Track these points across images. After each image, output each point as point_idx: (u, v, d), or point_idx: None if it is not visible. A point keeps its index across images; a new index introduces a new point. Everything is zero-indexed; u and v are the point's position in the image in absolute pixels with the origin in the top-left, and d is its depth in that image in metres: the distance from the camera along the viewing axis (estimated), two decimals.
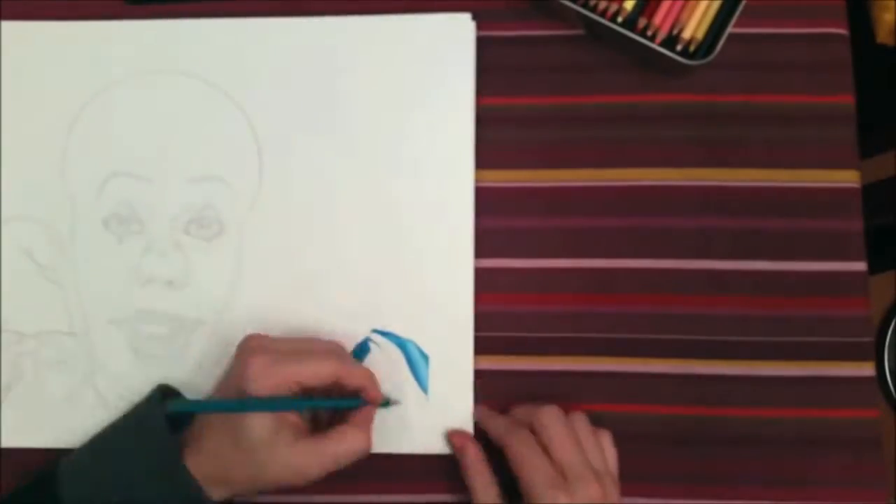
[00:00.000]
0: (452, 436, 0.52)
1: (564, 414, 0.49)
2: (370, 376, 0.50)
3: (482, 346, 0.54)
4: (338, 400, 0.50)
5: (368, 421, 0.50)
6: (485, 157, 0.56)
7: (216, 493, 0.47)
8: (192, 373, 0.54)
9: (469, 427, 0.53)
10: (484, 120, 0.56)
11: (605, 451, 0.50)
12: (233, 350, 0.49)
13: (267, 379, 0.46)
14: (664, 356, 0.54)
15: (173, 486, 0.46)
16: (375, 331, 0.54)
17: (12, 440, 0.54)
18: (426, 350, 0.53)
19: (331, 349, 0.51)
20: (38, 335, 0.54)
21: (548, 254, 0.55)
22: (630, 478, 0.51)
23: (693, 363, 0.53)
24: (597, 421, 0.51)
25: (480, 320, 0.54)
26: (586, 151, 0.56)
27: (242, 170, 0.55)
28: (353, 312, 0.54)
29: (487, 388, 0.53)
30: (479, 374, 0.53)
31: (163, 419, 0.47)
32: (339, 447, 0.47)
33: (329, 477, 0.48)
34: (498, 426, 0.50)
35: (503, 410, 0.52)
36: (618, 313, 0.54)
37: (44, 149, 0.56)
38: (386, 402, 0.52)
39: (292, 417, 0.48)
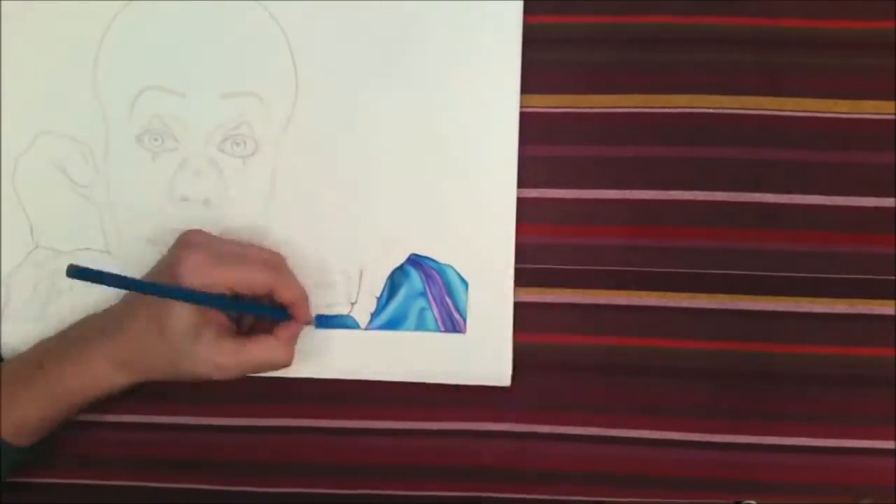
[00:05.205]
0: None
1: None
2: (303, 294, 0.50)
3: (523, 277, 0.53)
4: (266, 308, 0.50)
5: (293, 337, 0.50)
6: (531, 81, 0.53)
7: (131, 377, 0.48)
8: None
9: (508, 358, 0.52)
10: (531, 40, 0.53)
11: None
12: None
13: (199, 278, 0.46)
14: (709, 291, 0.53)
15: None
16: (414, 255, 0.53)
17: None
18: (466, 279, 0.53)
19: (270, 260, 0.50)
20: (73, 252, 0.54)
21: (593, 184, 0.53)
22: (672, 413, 0.51)
23: (739, 298, 0.52)
24: (640, 356, 0.51)
25: (522, 251, 0.53)
26: (637, 76, 0.53)
27: (277, 86, 0.54)
28: (392, 237, 0.53)
29: (527, 319, 0.53)
30: (518, 306, 0.53)
31: None
32: (261, 355, 0.48)
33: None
34: None
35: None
36: (663, 247, 0.53)
37: (74, 62, 0.54)
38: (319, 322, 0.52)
39: (218, 316, 0.48)
